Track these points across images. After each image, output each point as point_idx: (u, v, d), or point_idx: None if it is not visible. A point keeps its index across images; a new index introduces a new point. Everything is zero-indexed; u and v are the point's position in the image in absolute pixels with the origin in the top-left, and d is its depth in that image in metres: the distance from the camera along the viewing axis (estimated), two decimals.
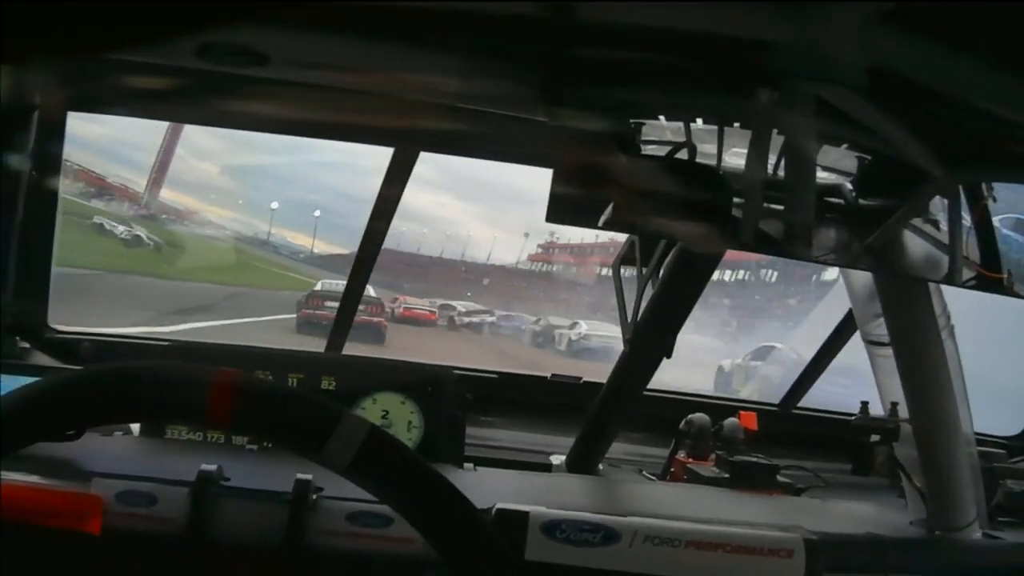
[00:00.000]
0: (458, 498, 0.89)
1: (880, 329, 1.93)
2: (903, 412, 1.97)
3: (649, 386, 2.32)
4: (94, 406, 0.89)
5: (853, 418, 2.07)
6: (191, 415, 0.92)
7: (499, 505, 1.64)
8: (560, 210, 1.25)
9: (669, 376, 2.33)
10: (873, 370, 2.04)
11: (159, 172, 16.39)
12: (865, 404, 2.06)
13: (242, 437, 2.00)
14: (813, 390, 3.09)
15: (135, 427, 2.03)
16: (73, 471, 1.58)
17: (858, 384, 2.19)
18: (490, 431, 2.62)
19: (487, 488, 1.79)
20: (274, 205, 18.57)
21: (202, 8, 0.46)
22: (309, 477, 1.57)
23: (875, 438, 2.04)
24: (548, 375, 2.94)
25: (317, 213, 19.23)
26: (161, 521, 1.54)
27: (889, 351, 1.90)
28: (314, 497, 1.57)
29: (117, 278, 15.26)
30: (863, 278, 1.92)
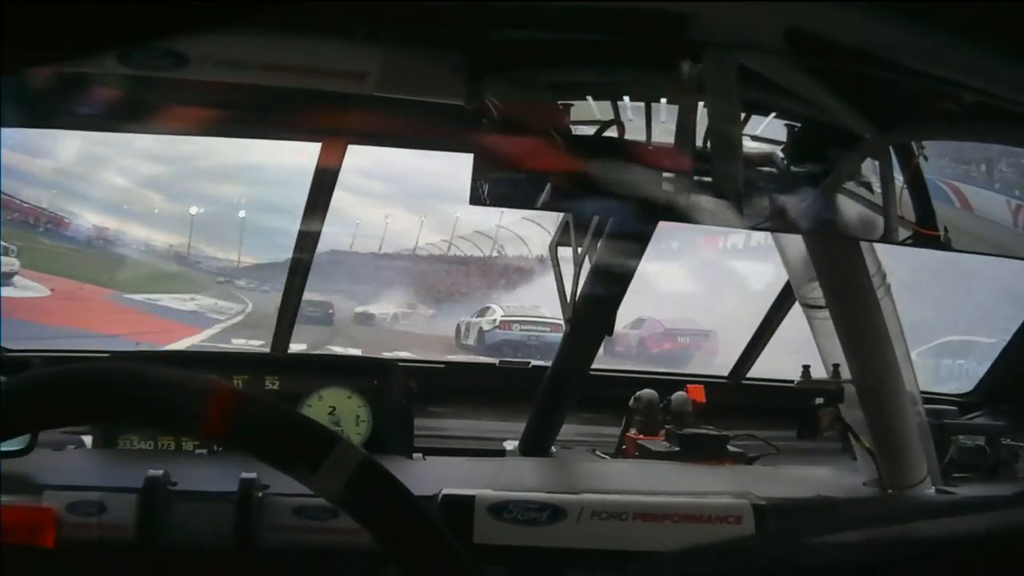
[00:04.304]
0: (442, 530, 0.90)
1: (816, 292, 1.95)
2: (846, 374, 1.99)
3: (596, 365, 2.33)
4: (93, 402, 0.88)
5: (795, 382, 2.09)
6: (187, 425, 0.90)
7: (445, 490, 1.64)
8: (484, 193, 1.25)
9: None
10: (813, 333, 2.06)
11: None
12: (807, 368, 2.07)
13: (191, 442, 1.99)
14: None
15: (87, 439, 2.03)
16: (24, 485, 1.57)
17: None
18: (441, 421, 2.62)
19: (436, 476, 1.80)
20: (194, 210, 17.31)
21: (194, 12, 0.45)
22: (254, 475, 1.56)
23: (819, 401, 2.06)
24: (497, 361, 2.93)
25: (242, 214, 18.03)
26: (112, 528, 1.54)
27: (827, 313, 1.92)
28: (260, 495, 1.57)
29: None
30: (796, 243, 1.94)
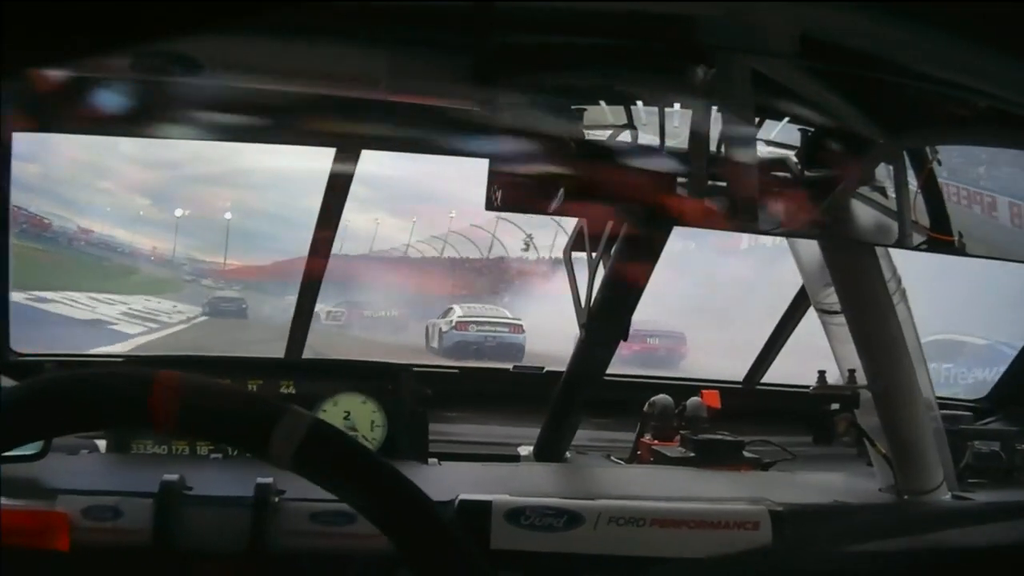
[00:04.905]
0: (407, 485, 0.89)
1: (831, 298, 1.94)
2: (862, 380, 1.99)
3: (611, 371, 2.33)
4: (34, 418, 0.88)
5: (811, 388, 2.08)
6: (135, 418, 0.90)
7: (462, 496, 1.64)
8: (498, 198, 1.25)
9: None
10: (828, 339, 2.05)
11: None
12: (822, 373, 2.07)
13: (205, 447, 2.00)
14: None
15: (101, 443, 2.03)
16: (38, 490, 1.57)
17: None
18: (456, 426, 2.62)
19: (452, 481, 1.79)
20: (179, 212, 16.81)
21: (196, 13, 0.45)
22: (270, 480, 1.56)
23: (835, 406, 2.05)
24: (511, 366, 2.94)
25: (229, 216, 17.41)
26: (127, 533, 1.54)
27: (842, 319, 1.91)
28: (276, 499, 1.57)
29: None
30: (811, 248, 1.93)
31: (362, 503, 0.90)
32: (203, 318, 15.36)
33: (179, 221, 17.24)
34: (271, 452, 0.85)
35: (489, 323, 12.61)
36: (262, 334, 10.07)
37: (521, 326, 12.30)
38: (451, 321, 12.95)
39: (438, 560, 0.89)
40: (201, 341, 13.71)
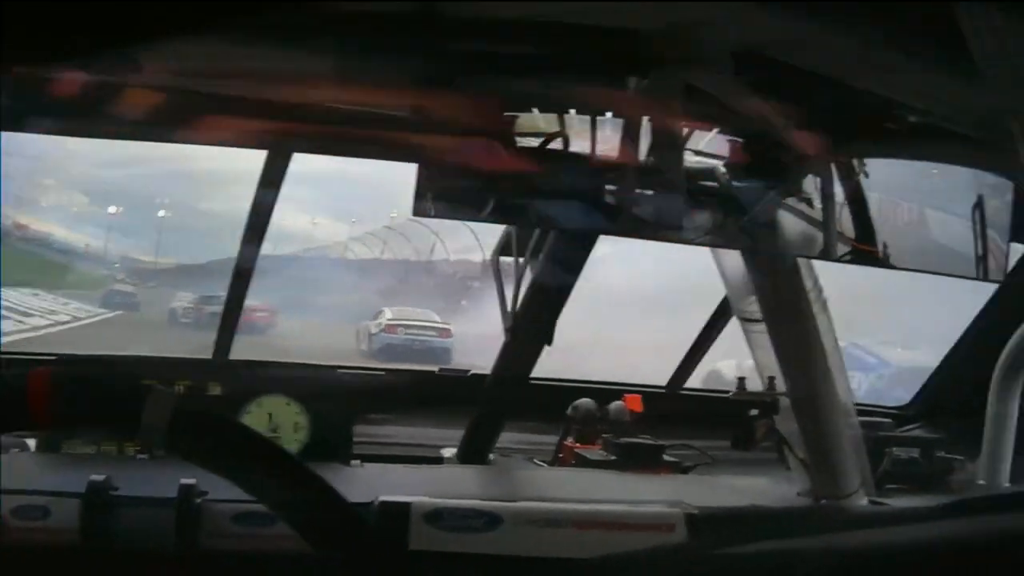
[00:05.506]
0: (276, 450, 0.90)
1: (753, 306, 1.97)
2: (782, 387, 2.02)
3: (535, 374, 2.34)
4: None
5: (730, 393, 2.12)
6: (16, 421, 0.90)
7: (381, 497, 1.65)
8: (427, 204, 1.25)
9: None
10: (749, 346, 2.09)
11: None
12: (742, 380, 2.10)
13: (131, 447, 1.99)
14: None
15: (31, 442, 2.03)
16: None
17: None
18: (380, 428, 2.61)
19: (373, 482, 1.80)
20: (112, 210, 16.26)
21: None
22: (193, 482, 1.57)
23: (754, 412, 2.09)
24: (436, 368, 2.94)
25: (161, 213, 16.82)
26: (56, 533, 1.53)
27: (763, 327, 1.94)
28: (198, 500, 1.57)
29: None
30: (734, 259, 1.96)
31: (237, 476, 0.90)
32: (94, 318, 14.58)
33: (112, 220, 16.74)
34: (142, 437, 0.85)
35: (418, 327, 12.51)
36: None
37: (449, 331, 12.22)
38: (380, 324, 12.79)
39: (317, 519, 0.90)
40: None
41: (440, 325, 12.61)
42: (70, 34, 0.43)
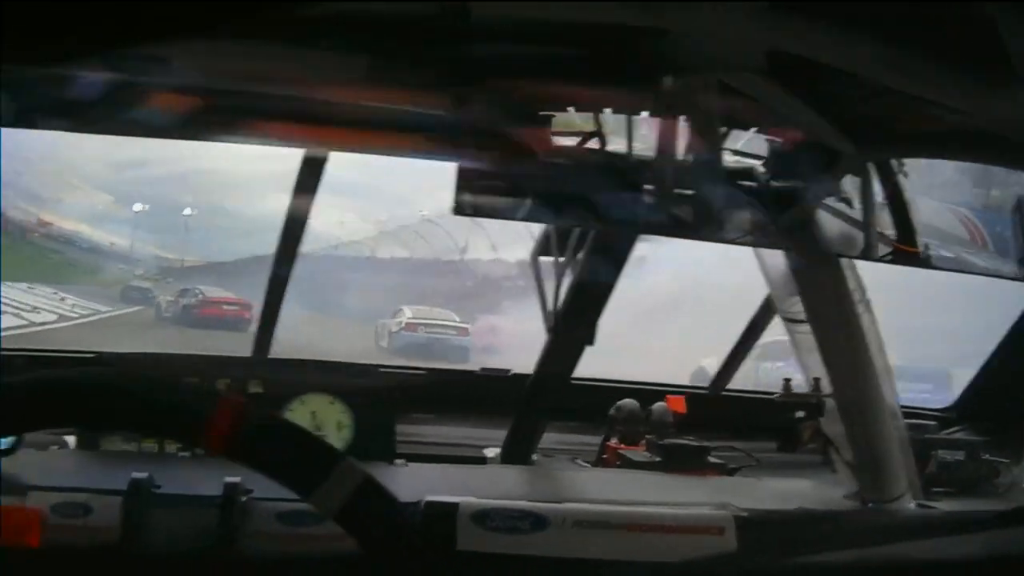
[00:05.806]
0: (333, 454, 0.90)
1: (797, 307, 1.95)
2: (828, 388, 2.00)
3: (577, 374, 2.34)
4: (99, 408, 0.88)
5: (776, 395, 2.10)
6: (186, 438, 0.91)
7: (427, 497, 1.64)
8: (467, 203, 1.26)
9: None
10: (793, 347, 2.07)
11: None
12: (788, 381, 2.08)
13: (174, 444, 1.98)
14: None
15: (71, 440, 2.03)
16: (9, 486, 1.56)
17: None
18: (423, 428, 2.61)
19: (418, 482, 1.80)
20: (137, 208, 16.25)
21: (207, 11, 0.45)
22: (238, 480, 1.56)
23: (800, 414, 2.07)
24: (478, 368, 2.94)
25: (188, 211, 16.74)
26: (97, 530, 1.53)
27: (807, 327, 1.92)
28: (243, 499, 1.57)
29: None
30: (777, 259, 1.95)
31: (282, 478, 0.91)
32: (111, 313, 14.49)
33: (137, 217, 16.84)
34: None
35: (437, 325, 12.87)
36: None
37: (467, 329, 12.65)
38: (400, 322, 13.14)
39: (402, 559, 0.90)
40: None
41: (458, 324, 12.99)
42: (70, 34, 0.43)
